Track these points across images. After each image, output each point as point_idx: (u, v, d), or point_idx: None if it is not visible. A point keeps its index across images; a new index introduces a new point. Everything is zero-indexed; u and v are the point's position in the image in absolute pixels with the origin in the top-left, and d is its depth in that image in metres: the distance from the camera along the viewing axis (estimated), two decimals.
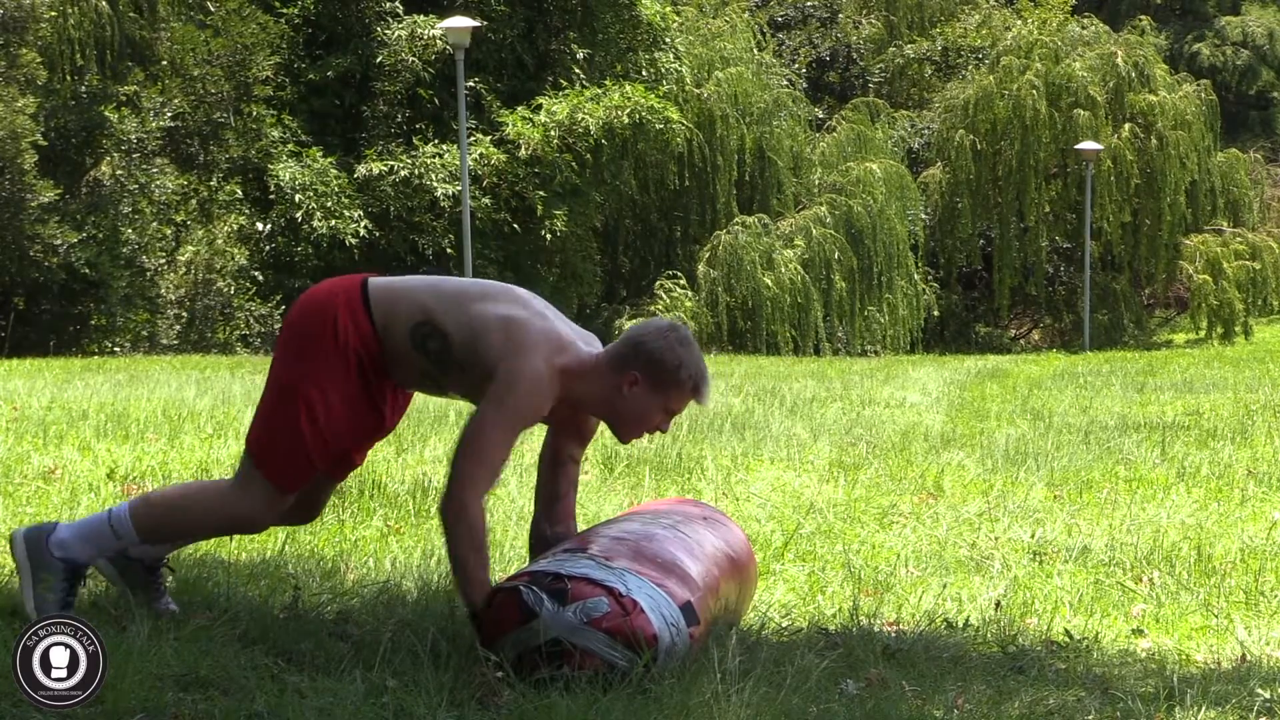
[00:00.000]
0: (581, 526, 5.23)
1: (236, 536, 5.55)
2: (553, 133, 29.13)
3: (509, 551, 6.03)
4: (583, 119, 29.22)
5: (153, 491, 4.84)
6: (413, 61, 29.03)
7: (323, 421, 4.46)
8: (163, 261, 26.71)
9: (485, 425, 4.36)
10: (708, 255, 32.30)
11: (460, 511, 4.33)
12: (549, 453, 4.76)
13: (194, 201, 27.32)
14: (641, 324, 4.62)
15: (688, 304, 31.49)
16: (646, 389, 4.48)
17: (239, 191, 27.83)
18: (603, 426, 4.75)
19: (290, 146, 28.52)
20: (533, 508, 4.86)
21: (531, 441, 8.82)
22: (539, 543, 4.73)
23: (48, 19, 25.45)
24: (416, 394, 4.79)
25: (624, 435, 4.62)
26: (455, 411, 10.01)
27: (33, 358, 20.70)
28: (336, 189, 28.01)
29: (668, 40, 32.49)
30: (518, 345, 4.39)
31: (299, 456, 4.48)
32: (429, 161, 28.58)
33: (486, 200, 28.75)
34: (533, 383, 4.37)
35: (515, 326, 4.42)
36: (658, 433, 4.67)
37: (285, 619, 4.60)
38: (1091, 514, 7.45)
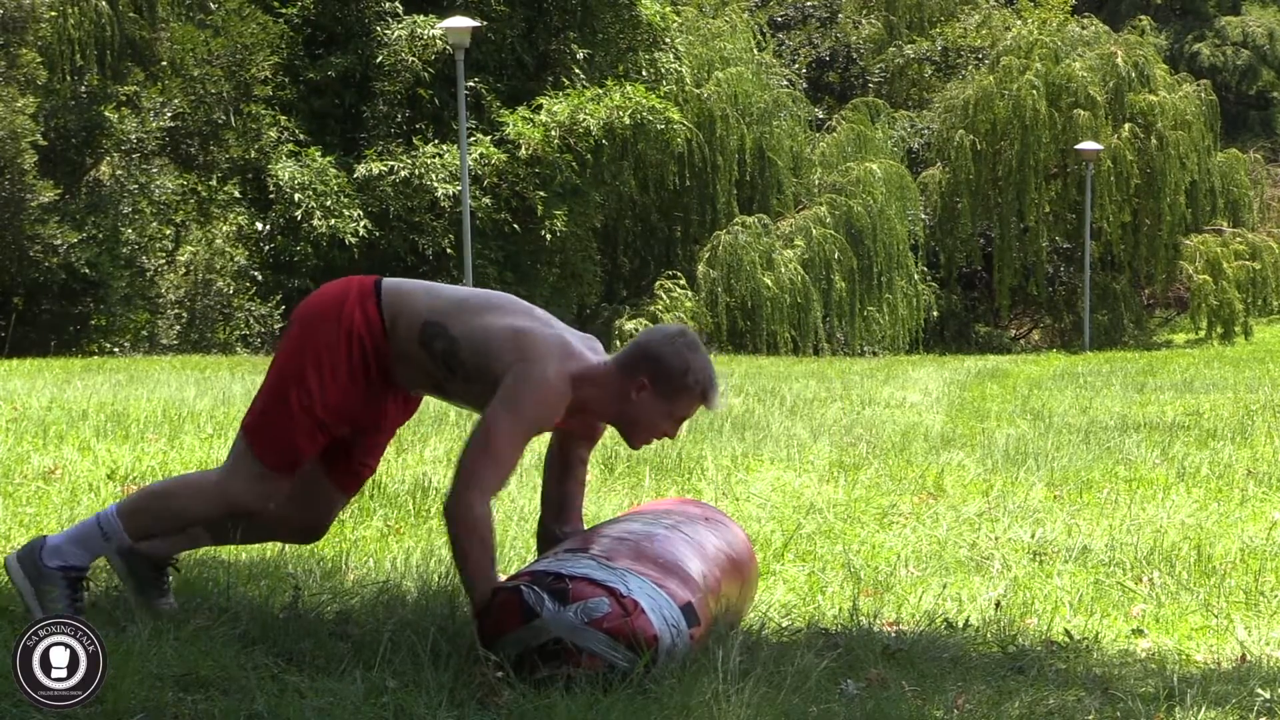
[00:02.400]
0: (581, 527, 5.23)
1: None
2: (553, 133, 29.13)
3: (509, 551, 6.03)
4: (583, 119, 29.22)
5: (137, 491, 4.85)
6: (413, 61, 29.03)
7: (316, 400, 4.48)
8: (163, 261, 26.72)
9: (497, 426, 4.37)
10: (708, 255, 32.30)
11: (466, 511, 4.32)
12: (555, 454, 4.78)
13: (193, 201, 27.32)
14: (650, 330, 4.63)
15: (688, 304, 31.49)
16: (654, 394, 4.49)
17: (237, 191, 27.83)
18: (610, 429, 4.76)
19: (289, 146, 28.51)
20: (539, 508, 4.86)
21: (532, 443, 8.82)
22: (546, 542, 4.74)
23: (48, 19, 25.46)
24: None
25: (634, 441, 4.63)
26: (456, 411, 10.01)
27: (33, 358, 20.70)
28: (336, 188, 28.01)
29: (668, 40, 32.49)
30: (528, 353, 4.40)
31: (288, 432, 4.50)
32: (429, 161, 28.58)
33: (486, 200, 28.75)
34: (544, 389, 4.38)
35: (524, 336, 4.44)
36: (666, 438, 4.68)
37: (285, 619, 4.60)
38: (1091, 514, 7.45)
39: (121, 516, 4.56)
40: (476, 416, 4.51)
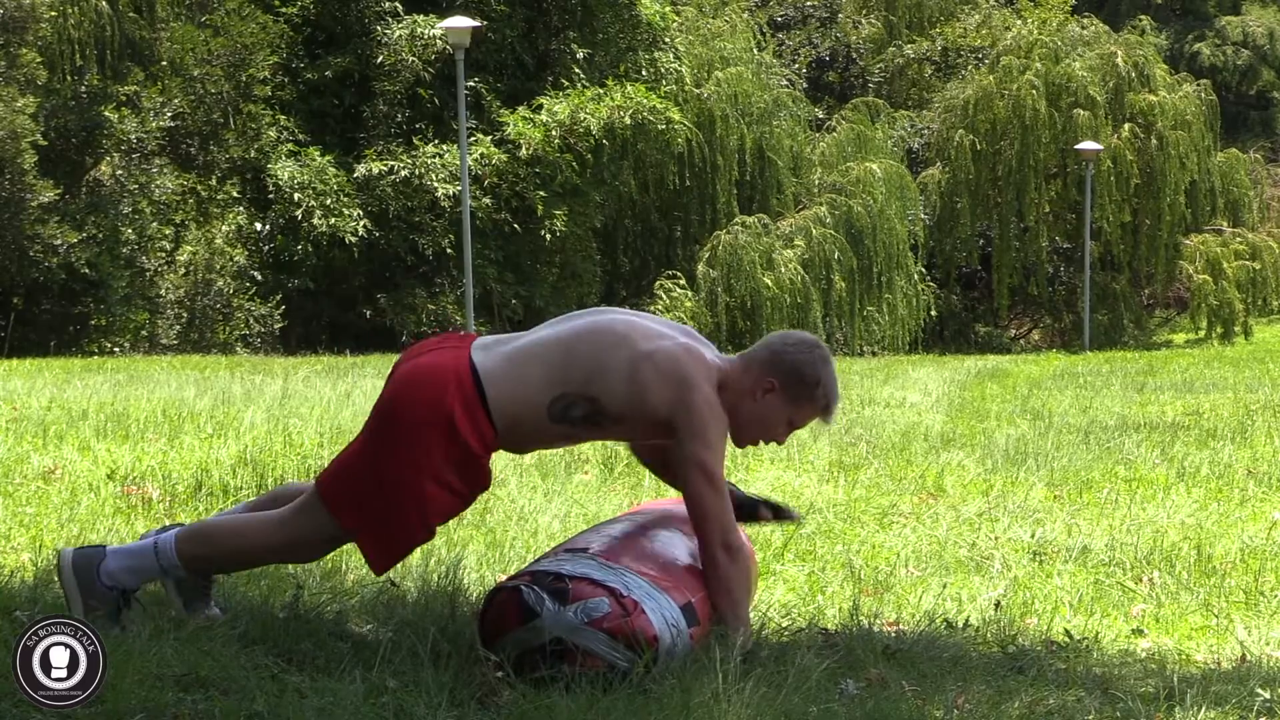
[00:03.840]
0: (581, 527, 5.23)
1: None
2: (553, 133, 29.13)
3: (509, 551, 6.03)
4: (583, 119, 29.22)
5: (199, 522, 4.78)
6: (413, 61, 29.03)
7: (434, 520, 4.42)
8: (162, 261, 26.72)
9: (712, 469, 4.40)
10: (707, 255, 32.30)
11: (734, 553, 4.44)
12: (652, 458, 4.97)
13: (192, 201, 27.32)
14: (785, 334, 4.65)
15: (687, 304, 31.49)
16: (781, 399, 4.53)
17: (237, 191, 27.82)
18: None
19: (289, 146, 28.51)
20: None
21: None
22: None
23: (48, 19, 25.46)
24: None
25: (742, 439, 4.64)
26: None
27: (32, 358, 20.70)
28: (335, 188, 28.01)
29: (668, 40, 32.49)
30: (681, 378, 4.38)
31: (408, 542, 4.45)
32: (429, 161, 28.58)
33: (486, 200, 28.75)
34: (714, 408, 4.41)
35: (665, 360, 4.39)
36: (773, 443, 4.70)
37: (285, 619, 4.60)
38: (1091, 514, 7.45)
39: (181, 553, 4.47)
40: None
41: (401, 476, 4.32)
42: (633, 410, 4.39)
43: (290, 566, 5.38)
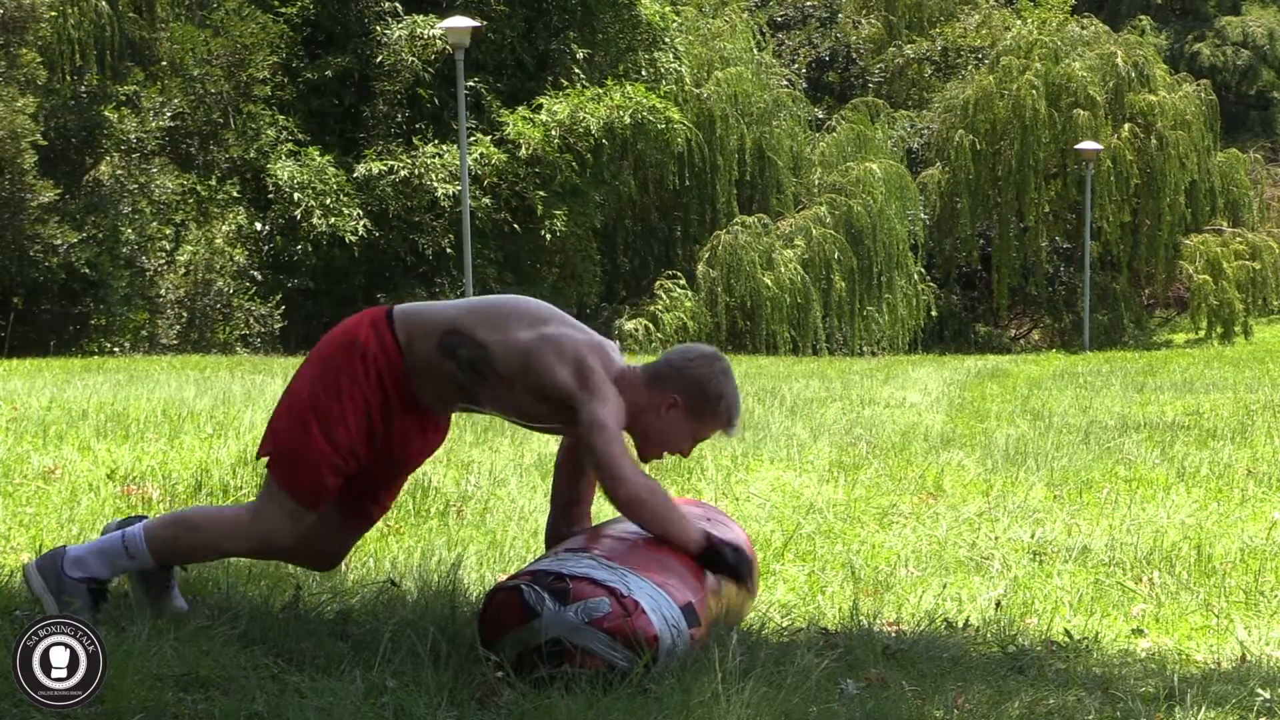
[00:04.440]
0: None
1: None
2: (553, 132, 29.13)
3: (509, 552, 6.04)
4: (583, 119, 29.22)
5: (168, 514, 4.82)
6: (412, 61, 29.03)
7: (338, 429, 4.48)
8: (162, 261, 26.72)
9: (601, 414, 4.41)
10: (707, 255, 32.30)
11: (635, 487, 4.42)
12: (566, 454, 4.81)
13: (192, 201, 27.32)
14: (686, 349, 4.68)
15: (687, 304, 31.50)
16: (683, 414, 4.56)
17: (236, 191, 27.82)
18: None
19: (289, 146, 28.51)
20: (548, 509, 4.87)
21: (532, 443, 8.82)
22: (555, 540, 4.78)
23: (48, 19, 25.45)
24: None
25: (647, 452, 4.67)
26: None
27: (33, 358, 20.70)
28: (335, 187, 28.01)
29: (667, 40, 32.49)
30: (581, 365, 4.45)
31: (314, 465, 4.48)
32: (429, 161, 28.58)
33: (486, 200, 28.75)
34: (613, 398, 4.46)
35: (567, 347, 4.47)
36: (678, 455, 4.71)
37: (285, 619, 4.60)
38: (1091, 514, 7.45)
39: (149, 542, 4.54)
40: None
41: (305, 395, 4.52)
42: (522, 379, 4.45)
43: (290, 567, 5.38)
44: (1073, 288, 38.27)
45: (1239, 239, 38.16)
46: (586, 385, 4.43)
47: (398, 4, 29.63)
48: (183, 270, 26.93)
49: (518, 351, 4.45)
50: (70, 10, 26.28)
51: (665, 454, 4.67)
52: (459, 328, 4.49)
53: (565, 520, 4.80)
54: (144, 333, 25.99)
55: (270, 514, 4.53)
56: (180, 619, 4.48)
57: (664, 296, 31.62)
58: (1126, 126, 36.61)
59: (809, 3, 42.29)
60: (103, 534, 4.69)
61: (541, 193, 29.11)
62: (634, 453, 4.66)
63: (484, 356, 4.46)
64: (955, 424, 11.69)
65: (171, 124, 26.72)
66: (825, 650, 4.60)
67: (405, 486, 7.24)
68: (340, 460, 4.50)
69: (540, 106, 29.43)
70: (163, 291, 26.61)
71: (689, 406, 4.55)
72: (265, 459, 4.58)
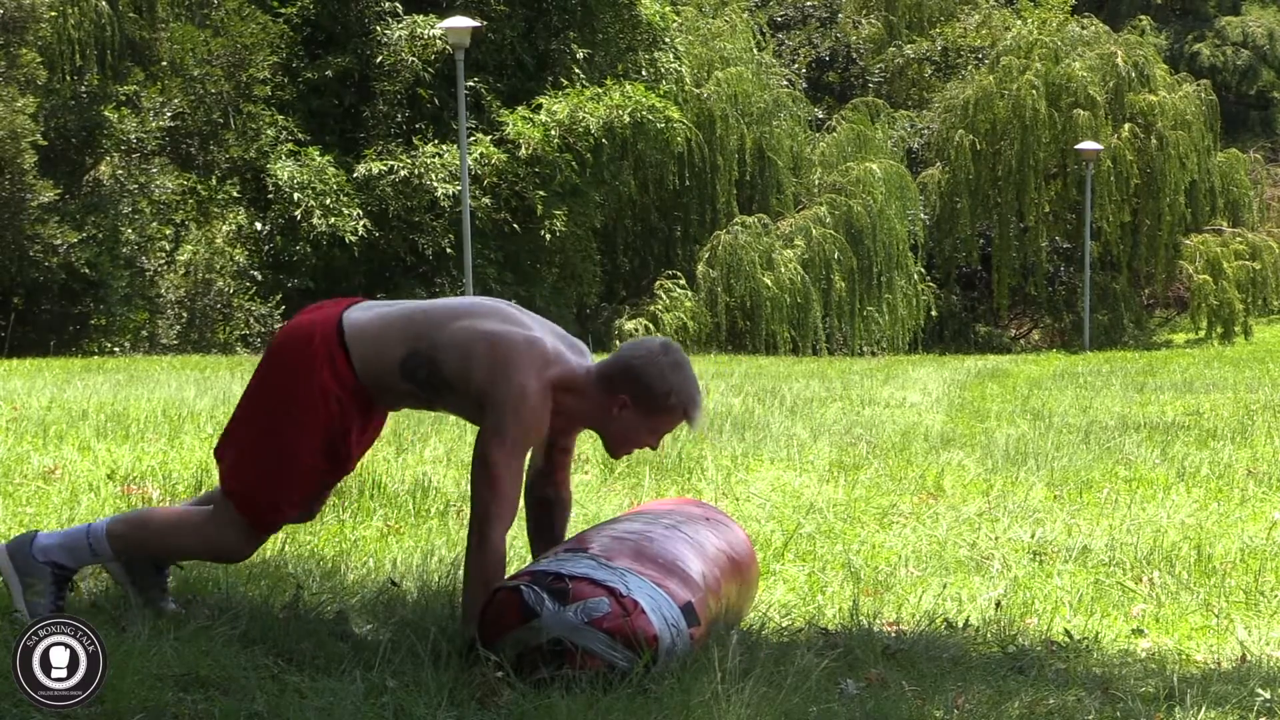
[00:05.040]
0: (582, 527, 5.23)
1: None
2: (553, 132, 29.13)
3: (509, 552, 6.01)
4: (583, 118, 29.22)
5: (131, 512, 4.82)
6: (412, 61, 29.02)
7: (299, 457, 4.46)
8: (162, 261, 26.72)
9: (494, 459, 4.32)
10: (707, 255, 32.30)
11: (481, 543, 4.35)
12: (531, 485, 4.71)
13: (192, 201, 27.32)
14: (633, 344, 4.56)
15: (687, 304, 31.49)
16: (635, 413, 4.47)
17: (236, 191, 27.82)
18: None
19: (288, 146, 28.51)
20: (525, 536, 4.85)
21: None
22: (531, 501, 4.75)
23: (48, 19, 25.45)
24: None
25: (614, 451, 4.63)
26: None
27: (33, 358, 20.70)
28: (335, 187, 28.00)
29: (667, 40, 32.49)
30: (505, 363, 4.34)
31: (272, 494, 4.50)
32: (429, 161, 28.57)
33: (486, 200, 28.75)
34: (524, 404, 4.33)
35: (500, 343, 4.37)
36: (648, 449, 4.66)
37: (285, 619, 4.60)
38: (1091, 514, 7.45)
39: (110, 538, 4.57)
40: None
41: (270, 429, 4.47)
42: (460, 383, 4.39)
43: (290, 566, 5.39)
44: (1073, 288, 38.26)
45: (1239, 239, 38.16)
46: (495, 402, 4.33)
47: (398, 4, 29.62)
48: (183, 270, 26.93)
49: (456, 360, 4.37)
50: (70, 10, 26.28)
51: (633, 450, 4.60)
52: (414, 348, 4.40)
53: (541, 485, 4.75)
54: (144, 333, 25.99)
55: (226, 536, 4.54)
56: (179, 619, 4.49)
57: (664, 296, 31.61)
58: (1126, 126, 36.61)
59: (809, 3, 42.28)
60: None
61: (541, 193, 29.11)
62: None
63: (435, 372, 4.40)
64: (955, 424, 11.69)
65: (171, 124, 26.72)
66: (825, 650, 4.60)
67: (405, 487, 7.27)
68: (300, 481, 4.50)
69: (540, 106, 29.43)
70: (163, 291, 26.61)
71: (639, 405, 4.44)
72: (219, 462, 4.59)
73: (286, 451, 4.46)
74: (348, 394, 4.44)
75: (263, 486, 4.49)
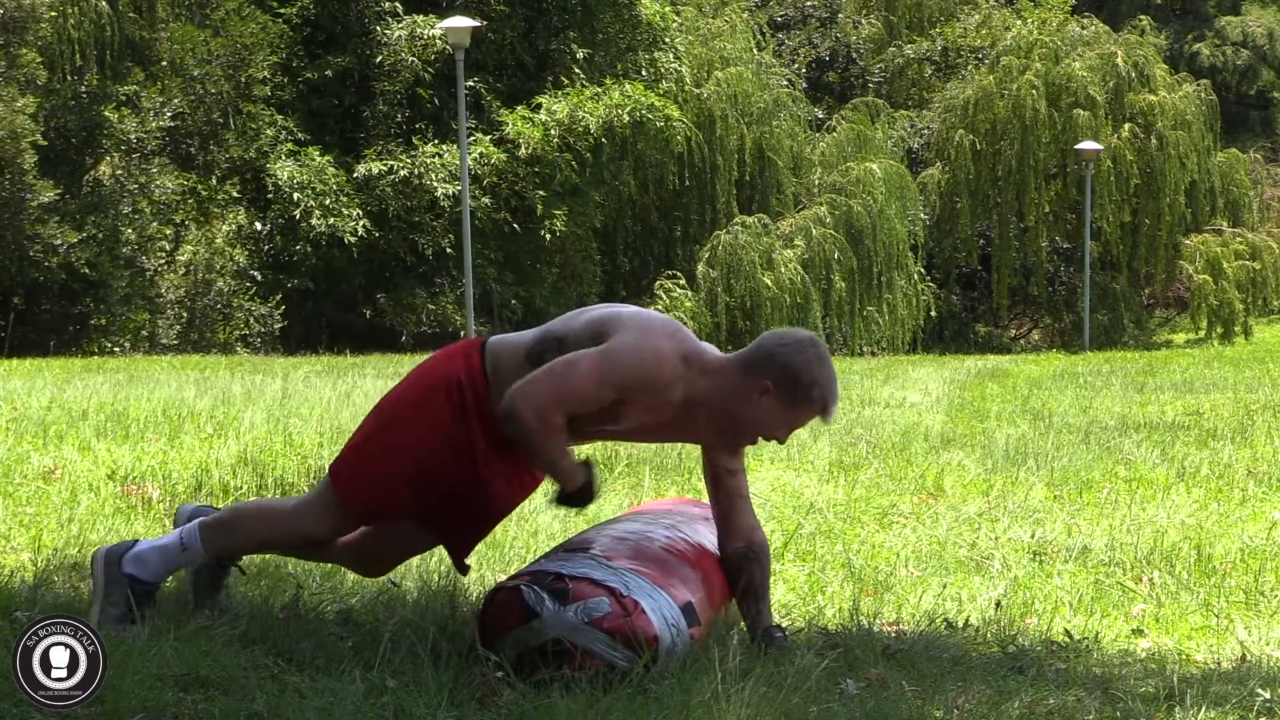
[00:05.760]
0: (581, 527, 5.23)
1: None
2: (553, 132, 29.13)
3: (509, 552, 6.03)
4: (583, 118, 29.22)
5: (224, 507, 4.83)
6: (412, 61, 29.03)
7: (408, 448, 4.43)
8: (162, 261, 26.73)
9: (580, 357, 4.30)
10: (707, 255, 32.30)
11: (513, 408, 4.26)
12: (708, 473, 4.70)
13: (192, 201, 27.33)
14: (778, 334, 4.54)
15: (687, 304, 31.49)
16: (777, 401, 4.42)
17: (236, 191, 27.82)
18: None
19: (288, 146, 28.51)
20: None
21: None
22: (725, 562, 4.67)
23: (48, 19, 25.47)
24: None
25: (742, 439, 4.57)
26: None
27: (33, 358, 20.70)
28: (335, 187, 28.01)
29: (667, 40, 32.49)
30: (642, 327, 4.36)
31: (378, 482, 4.46)
32: (429, 161, 28.58)
33: (486, 200, 28.75)
34: (645, 350, 4.31)
35: (639, 314, 4.43)
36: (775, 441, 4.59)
37: (285, 619, 4.60)
38: (1091, 514, 7.45)
39: (203, 532, 4.56)
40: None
41: (394, 414, 4.48)
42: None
43: (290, 566, 5.39)
44: (1073, 288, 38.27)
45: (1239, 239, 38.16)
46: (615, 334, 4.33)
47: (398, 4, 29.63)
48: (183, 270, 26.94)
49: (592, 331, 4.36)
50: (70, 10, 26.30)
51: (759, 440, 4.55)
52: (544, 335, 4.42)
53: (726, 535, 4.68)
54: (144, 333, 26.00)
55: (314, 509, 4.54)
56: (177, 620, 4.49)
57: (664, 296, 31.61)
58: (1126, 126, 36.60)
59: (809, 3, 42.28)
60: (176, 518, 4.76)
61: (541, 192, 29.11)
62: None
63: (562, 349, 4.37)
64: (955, 424, 11.69)
65: (171, 124, 26.73)
66: (825, 650, 4.59)
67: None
68: (404, 483, 4.44)
69: (540, 106, 29.43)
70: (163, 291, 26.62)
71: (782, 394, 4.40)
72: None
73: (399, 433, 4.43)
74: (474, 391, 4.39)
75: (367, 469, 4.46)
